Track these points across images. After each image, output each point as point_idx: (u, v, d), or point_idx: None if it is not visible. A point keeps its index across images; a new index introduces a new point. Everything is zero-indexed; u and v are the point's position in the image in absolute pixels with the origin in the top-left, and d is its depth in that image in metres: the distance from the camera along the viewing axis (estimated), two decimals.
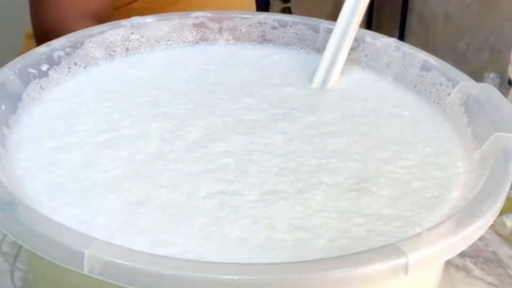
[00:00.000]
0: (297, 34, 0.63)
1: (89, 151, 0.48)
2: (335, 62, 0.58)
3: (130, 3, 0.88)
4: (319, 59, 0.59)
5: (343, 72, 0.60)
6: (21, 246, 0.50)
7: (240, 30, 0.64)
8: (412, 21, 1.87)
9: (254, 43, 0.64)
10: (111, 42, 0.60)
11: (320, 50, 0.62)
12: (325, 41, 0.60)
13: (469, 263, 0.56)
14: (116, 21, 0.61)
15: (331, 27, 0.62)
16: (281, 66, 0.61)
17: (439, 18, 1.76)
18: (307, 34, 0.63)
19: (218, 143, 0.50)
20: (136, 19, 0.61)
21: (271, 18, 0.64)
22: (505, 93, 0.58)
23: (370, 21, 2.01)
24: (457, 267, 0.55)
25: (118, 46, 0.60)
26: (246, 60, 0.62)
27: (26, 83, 0.52)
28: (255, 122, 0.52)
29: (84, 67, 0.58)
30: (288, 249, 0.40)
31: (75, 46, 0.57)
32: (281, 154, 0.49)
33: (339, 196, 0.45)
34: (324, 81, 0.58)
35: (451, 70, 0.55)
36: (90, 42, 0.58)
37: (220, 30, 0.64)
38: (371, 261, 0.35)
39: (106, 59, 0.59)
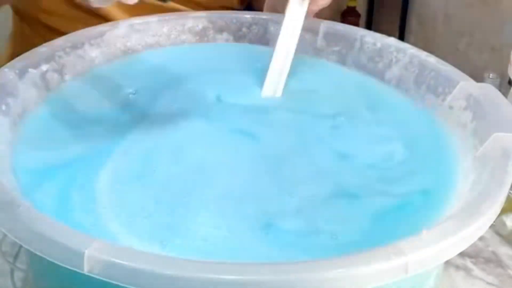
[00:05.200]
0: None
1: (90, 147, 0.49)
2: (284, 70, 0.58)
3: None
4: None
5: (342, 70, 0.60)
6: (21, 246, 0.49)
7: (240, 30, 0.64)
8: (412, 21, 1.86)
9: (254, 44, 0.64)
10: (111, 42, 0.60)
11: (320, 50, 0.62)
12: (324, 44, 0.61)
13: (469, 263, 0.56)
14: (116, 22, 0.61)
15: (332, 27, 0.62)
16: None
17: (439, 18, 1.76)
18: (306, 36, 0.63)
19: None
20: (136, 20, 0.61)
21: (270, 18, 0.64)
22: (505, 93, 0.58)
23: (370, 21, 2.01)
24: (457, 267, 0.55)
25: (119, 47, 0.60)
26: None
27: (26, 83, 0.52)
28: None
29: (84, 67, 0.58)
30: None
31: (75, 47, 0.57)
32: None
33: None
34: (275, 90, 0.58)
35: (451, 70, 0.55)
36: (90, 42, 0.58)
37: (220, 31, 0.64)
38: (371, 261, 0.35)
39: (106, 59, 0.59)
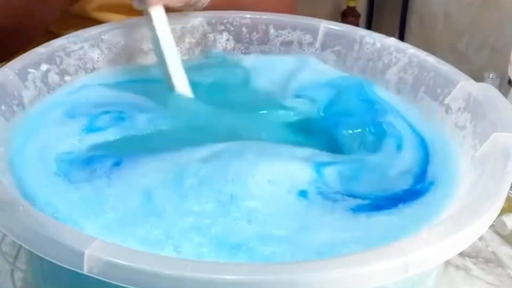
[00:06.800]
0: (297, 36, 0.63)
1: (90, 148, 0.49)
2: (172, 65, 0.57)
3: None
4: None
5: (341, 70, 0.60)
6: (21, 246, 0.49)
7: (240, 30, 0.64)
8: (412, 21, 1.86)
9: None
10: (111, 43, 0.60)
11: (320, 50, 0.62)
12: (323, 44, 0.61)
13: (469, 263, 0.56)
14: (116, 22, 0.61)
15: (332, 27, 0.62)
16: None
17: (439, 18, 1.76)
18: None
19: None
20: (135, 20, 0.61)
21: (271, 18, 0.64)
22: (505, 93, 0.58)
23: (370, 21, 2.01)
24: (457, 267, 0.55)
25: (120, 47, 0.60)
26: None
27: (26, 83, 0.52)
28: None
29: (84, 68, 0.58)
30: None
31: (75, 47, 0.57)
32: None
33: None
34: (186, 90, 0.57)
35: (451, 70, 0.55)
36: (91, 43, 0.58)
37: (221, 32, 0.64)
38: (371, 261, 0.35)
39: (106, 59, 0.59)
